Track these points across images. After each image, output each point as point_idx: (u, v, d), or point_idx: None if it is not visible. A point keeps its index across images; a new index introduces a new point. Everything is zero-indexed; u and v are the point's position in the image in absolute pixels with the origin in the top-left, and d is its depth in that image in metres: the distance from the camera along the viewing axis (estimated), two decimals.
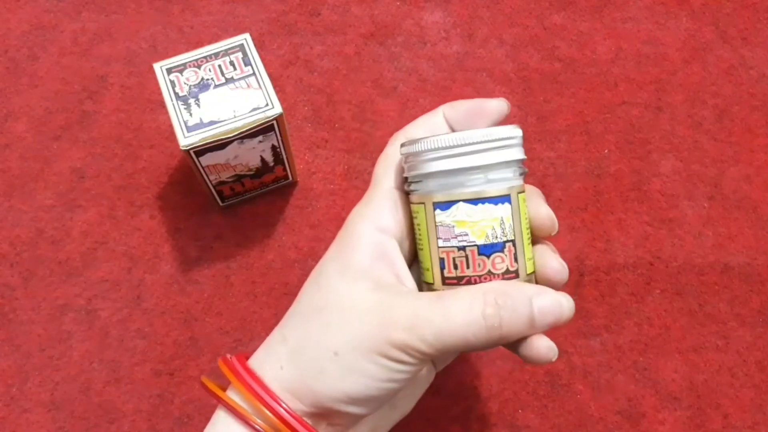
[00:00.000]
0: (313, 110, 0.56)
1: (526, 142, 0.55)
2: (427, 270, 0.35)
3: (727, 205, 0.53)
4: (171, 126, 0.44)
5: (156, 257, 0.51)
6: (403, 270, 0.34)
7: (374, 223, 0.34)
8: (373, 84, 0.57)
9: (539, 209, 0.35)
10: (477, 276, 0.34)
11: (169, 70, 0.46)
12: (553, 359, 0.33)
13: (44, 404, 0.47)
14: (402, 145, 0.35)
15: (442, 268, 0.34)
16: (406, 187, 0.35)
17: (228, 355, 0.35)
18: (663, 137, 0.55)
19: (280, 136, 0.47)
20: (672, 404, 0.47)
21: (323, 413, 0.33)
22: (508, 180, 0.34)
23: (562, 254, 0.50)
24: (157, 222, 0.52)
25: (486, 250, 0.34)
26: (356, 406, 0.32)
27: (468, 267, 0.34)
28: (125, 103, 0.56)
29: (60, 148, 0.55)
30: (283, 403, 0.32)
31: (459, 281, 0.34)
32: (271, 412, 0.32)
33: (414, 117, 0.56)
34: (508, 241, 0.34)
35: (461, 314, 0.31)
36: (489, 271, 0.34)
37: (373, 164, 0.54)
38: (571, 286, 0.50)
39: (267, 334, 0.48)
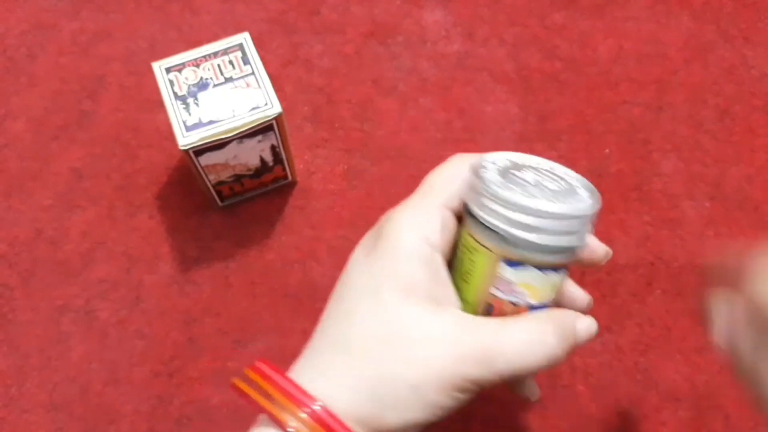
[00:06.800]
0: (312, 110, 0.56)
1: (527, 143, 0.55)
2: (467, 303, 0.34)
3: (728, 206, 0.53)
4: (170, 125, 0.44)
5: (155, 257, 0.51)
6: (451, 289, 0.34)
7: (424, 234, 0.32)
8: (373, 83, 0.57)
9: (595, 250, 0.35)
10: None
11: (168, 70, 0.46)
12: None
13: (43, 405, 0.47)
14: (491, 183, 0.31)
15: (488, 312, 0.33)
16: (466, 213, 0.33)
17: (262, 367, 0.32)
18: (664, 137, 0.55)
19: (280, 136, 0.46)
20: (673, 405, 0.47)
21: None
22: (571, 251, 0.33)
23: None
24: (156, 222, 0.52)
25: (534, 309, 0.33)
26: (414, 430, 0.32)
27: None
28: (124, 102, 0.56)
29: (58, 147, 0.54)
30: None
31: None
32: None
33: (414, 117, 0.56)
34: (552, 299, 0.34)
35: (533, 344, 0.32)
36: None
37: (373, 164, 0.55)
38: None
39: (266, 335, 0.48)
